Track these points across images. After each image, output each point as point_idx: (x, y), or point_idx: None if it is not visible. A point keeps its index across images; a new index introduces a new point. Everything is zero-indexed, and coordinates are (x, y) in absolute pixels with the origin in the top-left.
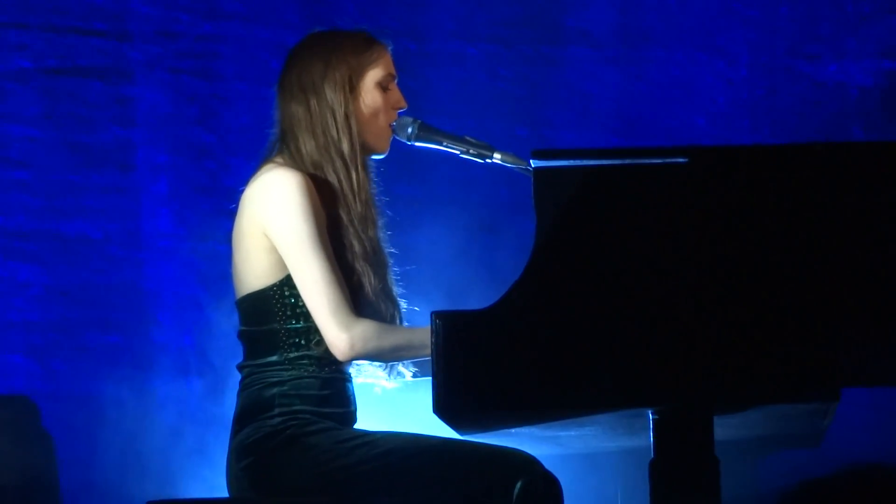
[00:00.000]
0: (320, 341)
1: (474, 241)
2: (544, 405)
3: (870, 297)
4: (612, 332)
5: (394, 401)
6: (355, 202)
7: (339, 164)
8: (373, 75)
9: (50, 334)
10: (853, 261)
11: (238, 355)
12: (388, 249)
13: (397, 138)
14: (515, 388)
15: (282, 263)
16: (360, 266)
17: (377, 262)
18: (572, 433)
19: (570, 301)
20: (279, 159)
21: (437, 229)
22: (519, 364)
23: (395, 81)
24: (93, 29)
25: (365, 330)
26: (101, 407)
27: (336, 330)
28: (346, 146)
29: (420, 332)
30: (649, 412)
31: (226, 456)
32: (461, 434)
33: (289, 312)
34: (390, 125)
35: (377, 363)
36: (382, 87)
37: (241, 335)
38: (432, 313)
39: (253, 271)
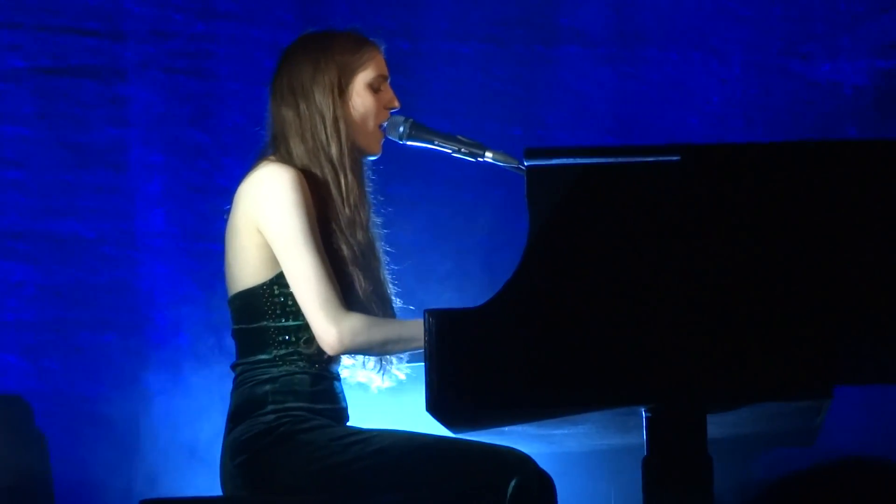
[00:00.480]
0: (310, 339)
1: (467, 239)
2: (538, 403)
3: (863, 295)
4: (605, 330)
5: (387, 399)
6: (344, 206)
7: (327, 168)
8: (363, 77)
9: (44, 334)
10: (846, 258)
11: (232, 354)
12: (385, 248)
13: (389, 137)
14: (508, 386)
15: (273, 261)
16: (350, 270)
17: (367, 266)
18: (566, 431)
19: (563, 299)
20: (272, 158)
21: (430, 228)
22: (512, 362)
23: (388, 82)
24: (86, 28)
25: (354, 324)
26: (95, 406)
27: (325, 324)
28: (334, 150)
29: (410, 326)
30: (642, 410)
31: (219, 454)
32: (454, 432)
33: (279, 311)
34: (381, 130)
35: (370, 365)
36: (373, 88)
37: (233, 334)
38: (425, 311)
39: (244, 269)
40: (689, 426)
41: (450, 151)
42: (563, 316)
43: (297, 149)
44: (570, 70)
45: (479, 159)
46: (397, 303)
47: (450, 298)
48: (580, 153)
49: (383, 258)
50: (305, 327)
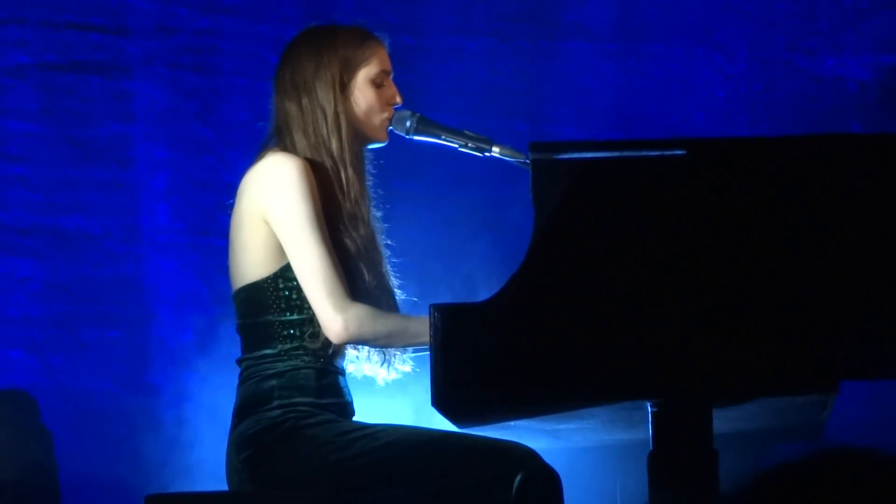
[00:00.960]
0: (314, 334)
1: (472, 234)
2: (543, 398)
3: (869, 290)
4: (611, 325)
5: (393, 393)
6: (345, 201)
7: (328, 162)
8: (365, 73)
9: (49, 329)
10: (852, 253)
11: (237, 350)
12: (385, 242)
13: (395, 132)
14: (514, 380)
15: (277, 255)
16: (353, 263)
17: (370, 259)
18: (571, 426)
19: (569, 293)
20: (276, 149)
21: (435, 223)
22: (518, 357)
23: (391, 77)
24: (91, 24)
25: (359, 313)
26: (100, 402)
27: (331, 312)
28: (334, 145)
29: (415, 321)
30: (648, 405)
31: (225, 449)
32: (460, 427)
33: (283, 305)
34: (387, 119)
35: (374, 359)
36: (376, 84)
37: (238, 328)
38: (431, 306)
39: (249, 262)
40: (694, 421)
41: (456, 146)
42: (569, 310)
43: (300, 143)
44: (574, 65)
45: (486, 154)
46: (400, 295)
47: (455, 293)
48: (585, 147)
49: (385, 251)
50: (310, 321)
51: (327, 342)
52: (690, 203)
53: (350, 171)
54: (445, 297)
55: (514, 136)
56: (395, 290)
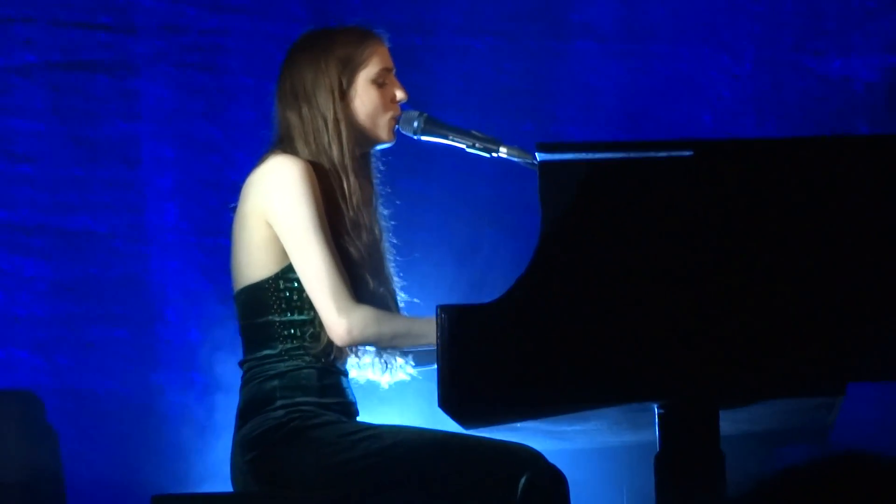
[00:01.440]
0: (315, 334)
1: (479, 235)
2: (550, 399)
3: (876, 292)
4: (618, 326)
5: (399, 395)
6: (348, 209)
7: (331, 170)
8: (365, 74)
9: (55, 329)
10: (860, 255)
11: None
12: (391, 241)
13: (402, 132)
14: (521, 382)
15: (279, 255)
16: (356, 271)
17: (373, 266)
18: (578, 428)
19: (576, 295)
20: (279, 151)
21: (442, 223)
22: (524, 358)
23: (393, 73)
24: (98, 23)
25: (364, 315)
26: (106, 402)
27: (335, 314)
28: (335, 153)
29: (420, 322)
30: (655, 406)
31: (230, 450)
32: (466, 428)
33: (284, 305)
34: (393, 118)
35: (376, 365)
36: (378, 83)
37: (240, 330)
38: (438, 307)
39: (251, 263)
40: (701, 423)
41: (464, 146)
42: (576, 311)
43: (302, 151)
44: (581, 65)
45: (494, 154)
46: (402, 297)
47: (462, 294)
48: (593, 148)
49: (388, 254)
50: (311, 322)
51: (328, 344)
52: (697, 204)
53: (352, 178)
54: (452, 298)
55: (520, 136)
56: (399, 291)
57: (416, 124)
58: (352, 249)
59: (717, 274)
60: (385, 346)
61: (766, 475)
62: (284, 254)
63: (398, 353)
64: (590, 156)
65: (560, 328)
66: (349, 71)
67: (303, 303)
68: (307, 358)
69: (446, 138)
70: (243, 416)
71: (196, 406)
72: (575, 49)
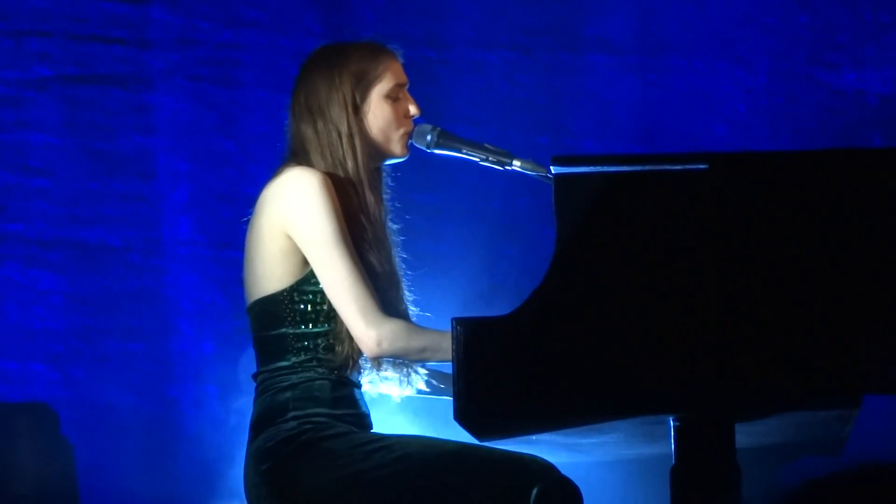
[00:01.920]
0: (329, 346)
1: (494, 248)
2: (565, 412)
3: (892, 305)
4: (633, 339)
5: (412, 405)
6: (367, 222)
7: (347, 184)
8: (379, 90)
9: (70, 342)
10: (875, 268)
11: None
12: (401, 255)
13: (416, 145)
14: (536, 394)
15: (295, 268)
16: (378, 284)
17: (389, 279)
18: (593, 440)
19: (591, 307)
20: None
21: (457, 237)
22: (541, 370)
23: (407, 88)
24: (113, 37)
25: (394, 329)
26: (121, 415)
27: (364, 327)
28: (350, 166)
29: (449, 337)
30: (671, 419)
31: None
32: (481, 441)
33: (297, 318)
34: (406, 133)
35: (396, 377)
36: (391, 98)
37: (254, 342)
38: (453, 319)
39: (266, 275)
40: (717, 435)
41: (477, 160)
42: (591, 324)
43: (318, 164)
44: (595, 79)
45: (507, 167)
46: (413, 310)
47: (476, 307)
48: (608, 161)
49: (400, 267)
50: (324, 334)
51: (342, 356)
52: (712, 217)
53: (368, 191)
54: (467, 312)
55: (535, 149)
56: (410, 305)
57: (429, 138)
58: (374, 261)
59: (732, 287)
60: (413, 359)
61: (784, 488)
62: (299, 266)
63: (418, 366)
64: (605, 169)
65: (576, 341)
66: (363, 86)
67: (317, 315)
68: (320, 370)
69: (460, 152)
70: (256, 427)
71: (210, 419)
72: (589, 62)
